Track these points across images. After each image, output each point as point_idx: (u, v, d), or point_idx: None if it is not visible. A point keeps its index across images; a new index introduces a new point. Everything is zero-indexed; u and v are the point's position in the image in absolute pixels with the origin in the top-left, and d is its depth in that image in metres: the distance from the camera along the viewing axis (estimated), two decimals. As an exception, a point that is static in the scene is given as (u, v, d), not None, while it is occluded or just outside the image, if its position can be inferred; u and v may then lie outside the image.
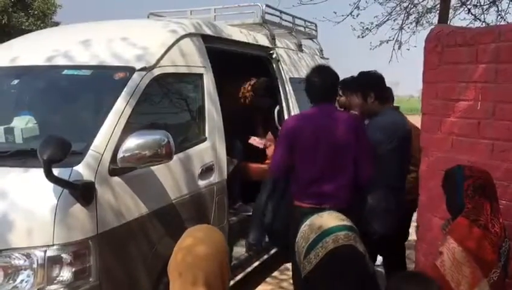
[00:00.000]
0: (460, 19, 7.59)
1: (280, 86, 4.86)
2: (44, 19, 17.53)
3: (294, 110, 4.82)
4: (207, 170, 3.47)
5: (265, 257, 4.33)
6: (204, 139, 3.52)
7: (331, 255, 1.60)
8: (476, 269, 2.06)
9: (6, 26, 15.41)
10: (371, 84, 3.49)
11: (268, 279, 4.44)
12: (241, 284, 3.96)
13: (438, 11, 6.89)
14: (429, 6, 8.19)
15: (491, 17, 7.66)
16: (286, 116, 4.72)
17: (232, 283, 3.85)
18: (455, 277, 2.05)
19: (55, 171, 2.34)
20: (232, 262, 3.91)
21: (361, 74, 3.63)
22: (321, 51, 6.73)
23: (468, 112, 2.65)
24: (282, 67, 4.99)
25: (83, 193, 2.44)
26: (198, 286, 1.50)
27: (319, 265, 1.60)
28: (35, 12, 17.13)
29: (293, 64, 5.38)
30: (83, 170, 2.50)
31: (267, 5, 5.09)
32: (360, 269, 1.61)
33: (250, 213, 4.82)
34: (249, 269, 4.14)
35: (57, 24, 17.28)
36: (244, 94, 5.10)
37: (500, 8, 7.75)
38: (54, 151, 2.24)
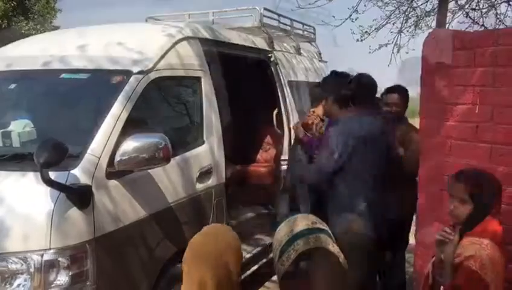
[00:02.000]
0: (459, 22, 7.56)
1: (278, 89, 4.86)
2: (44, 23, 17.51)
3: (293, 114, 4.82)
4: (205, 173, 3.46)
5: (264, 260, 4.31)
6: (202, 142, 3.51)
7: (301, 257, 1.61)
8: (504, 267, 2.10)
9: (6, 30, 15.41)
10: (329, 86, 3.47)
11: (267, 283, 4.42)
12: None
13: (436, 15, 6.90)
14: (428, 10, 8.20)
15: (489, 21, 7.71)
16: (285, 119, 4.71)
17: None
18: (495, 278, 2.03)
19: (52, 175, 2.34)
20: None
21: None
22: (319, 54, 6.73)
23: (467, 116, 2.64)
24: (280, 71, 4.98)
25: (79, 196, 2.44)
26: (205, 283, 1.55)
27: (291, 267, 1.62)
28: (35, 16, 17.12)
29: (291, 68, 5.37)
30: (79, 174, 2.50)
31: (265, 9, 5.09)
32: (333, 270, 1.61)
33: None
34: (248, 273, 4.12)
35: (57, 28, 17.24)
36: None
37: (498, 12, 7.76)
38: (51, 155, 2.23)
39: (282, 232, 1.71)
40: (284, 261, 1.64)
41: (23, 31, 15.01)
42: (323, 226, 1.73)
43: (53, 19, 18.20)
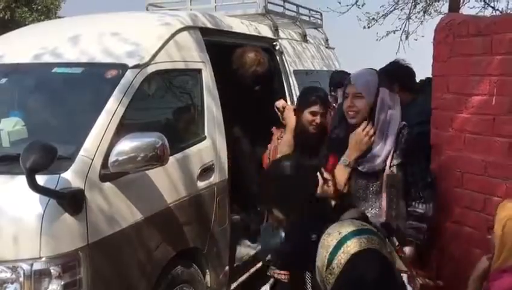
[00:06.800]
0: (469, 7, 7.29)
1: (284, 80, 4.69)
2: (48, 14, 17.35)
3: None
4: (207, 170, 3.31)
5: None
6: (204, 138, 3.36)
7: (354, 259, 1.43)
8: None
9: (9, 22, 15.26)
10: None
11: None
12: (245, 285, 3.84)
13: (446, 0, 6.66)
14: (437, -6, 7.96)
15: (501, 5, 7.38)
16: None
17: (235, 285, 3.71)
18: None
19: (42, 179, 2.21)
20: (235, 263, 3.77)
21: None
22: (327, 40, 6.52)
23: (483, 108, 2.47)
24: (285, 60, 4.81)
25: (71, 201, 2.30)
26: None
27: (341, 273, 1.44)
28: (39, 7, 16.96)
29: (297, 56, 5.19)
30: (71, 177, 2.36)
31: (269, -6, 4.91)
32: (387, 277, 1.44)
33: None
34: (253, 270, 4.00)
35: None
36: None
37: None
38: (38, 159, 2.09)
39: (329, 237, 1.50)
40: (334, 269, 1.44)
41: (27, 23, 14.87)
42: (376, 230, 1.55)
43: (57, 9, 18.04)
